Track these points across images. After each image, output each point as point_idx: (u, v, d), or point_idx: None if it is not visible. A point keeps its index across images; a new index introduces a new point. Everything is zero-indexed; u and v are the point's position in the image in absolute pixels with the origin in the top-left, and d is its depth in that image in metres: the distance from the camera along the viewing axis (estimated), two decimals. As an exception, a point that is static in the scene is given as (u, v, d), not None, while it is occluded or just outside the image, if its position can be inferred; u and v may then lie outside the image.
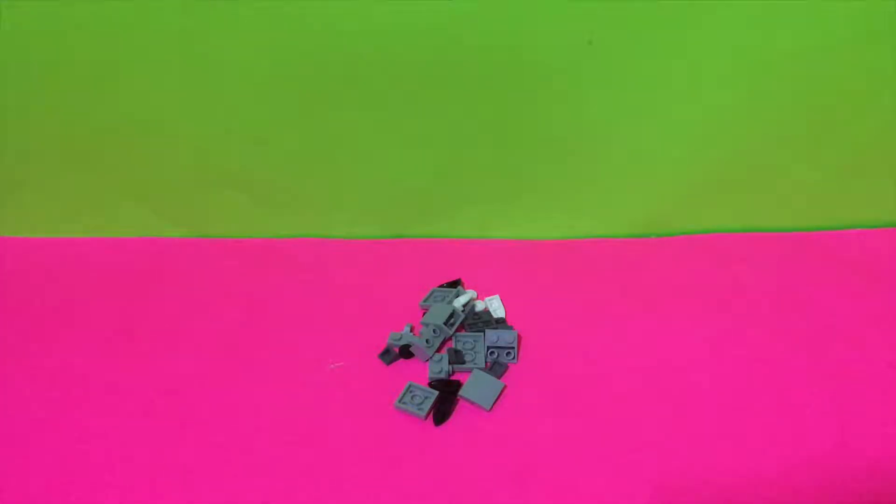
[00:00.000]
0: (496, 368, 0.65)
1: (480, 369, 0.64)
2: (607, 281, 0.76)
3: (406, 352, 0.67)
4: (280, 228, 0.84)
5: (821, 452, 0.57)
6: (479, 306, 0.72)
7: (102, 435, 0.61)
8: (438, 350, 0.68)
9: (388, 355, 0.67)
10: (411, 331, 0.70)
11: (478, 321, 0.70)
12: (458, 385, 0.63)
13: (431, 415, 0.61)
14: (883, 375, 0.63)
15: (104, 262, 0.81)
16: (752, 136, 0.75)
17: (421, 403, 0.62)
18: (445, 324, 0.68)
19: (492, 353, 0.66)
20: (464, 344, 0.68)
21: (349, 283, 0.77)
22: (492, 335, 0.66)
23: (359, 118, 0.75)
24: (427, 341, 0.67)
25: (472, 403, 0.62)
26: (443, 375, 0.64)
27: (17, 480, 0.57)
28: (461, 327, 0.70)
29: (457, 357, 0.66)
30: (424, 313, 0.70)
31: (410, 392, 0.63)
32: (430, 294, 0.74)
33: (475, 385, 0.63)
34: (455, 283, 0.75)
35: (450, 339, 0.69)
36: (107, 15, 0.67)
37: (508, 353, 0.66)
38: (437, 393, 0.62)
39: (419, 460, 0.58)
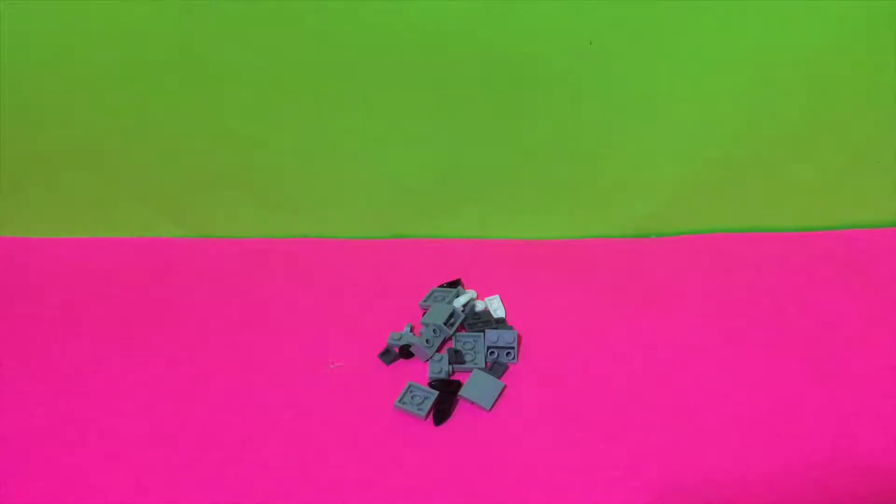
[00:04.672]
0: (496, 368, 0.65)
1: (480, 369, 0.64)
2: (607, 281, 0.76)
3: (406, 352, 0.67)
4: (280, 228, 0.84)
5: (821, 452, 0.57)
6: (479, 306, 0.72)
7: (102, 435, 0.61)
8: (438, 350, 0.68)
9: (388, 355, 0.67)
10: (411, 331, 0.70)
11: (478, 321, 0.70)
12: (458, 385, 0.63)
13: (431, 415, 0.61)
14: (883, 376, 0.63)
15: (104, 262, 0.81)
16: (751, 136, 0.75)
17: (421, 403, 0.62)
18: (445, 324, 0.68)
19: (492, 353, 0.66)
20: (464, 344, 0.68)
21: (349, 283, 0.77)
22: (492, 335, 0.66)
23: (359, 118, 0.75)
24: (427, 341, 0.67)
25: (472, 403, 0.62)
26: (443, 375, 0.64)
27: (17, 480, 0.57)
28: (461, 327, 0.70)
29: (457, 357, 0.66)
30: (424, 313, 0.70)
31: (410, 392, 0.63)
32: (430, 294, 0.74)
33: (475, 385, 0.63)
34: (455, 283, 0.75)
35: (450, 339, 0.69)
36: (107, 15, 0.67)
37: (508, 353, 0.66)
38: (437, 393, 0.62)
39: (419, 460, 0.58)
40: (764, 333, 0.68)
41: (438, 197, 0.82)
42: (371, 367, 0.67)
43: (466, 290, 0.74)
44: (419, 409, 0.61)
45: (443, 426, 0.61)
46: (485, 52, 0.69)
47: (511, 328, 0.69)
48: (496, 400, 0.62)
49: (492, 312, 0.72)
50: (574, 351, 0.67)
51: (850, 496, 0.54)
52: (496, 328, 0.68)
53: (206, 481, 0.56)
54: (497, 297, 0.73)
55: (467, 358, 0.66)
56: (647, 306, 0.72)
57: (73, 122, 0.75)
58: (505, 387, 0.64)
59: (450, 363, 0.65)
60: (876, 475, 0.55)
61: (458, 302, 0.71)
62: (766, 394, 0.62)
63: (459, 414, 0.62)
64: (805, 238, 0.81)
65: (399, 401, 0.62)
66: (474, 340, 0.68)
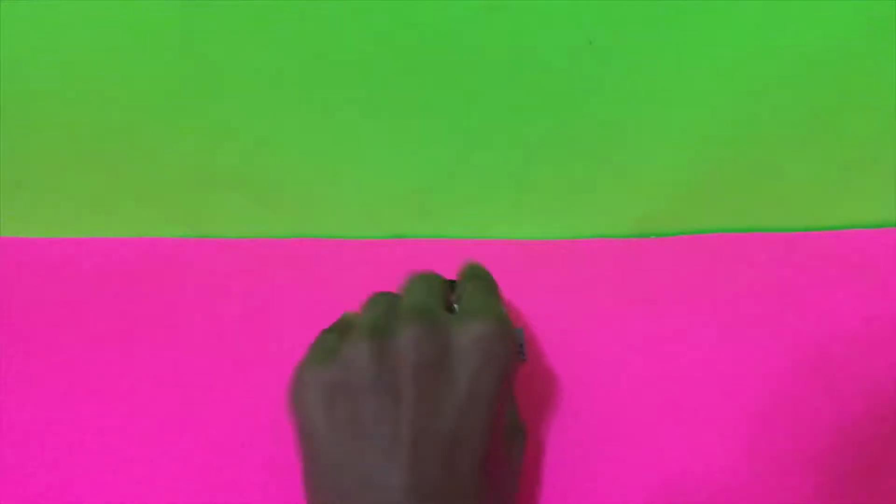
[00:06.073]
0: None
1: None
2: (607, 281, 0.76)
3: (406, 352, 0.67)
4: (280, 228, 0.84)
5: (821, 453, 0.57)
6: (480, 306, 0.72)
7: (101, 435, 0.61)
8: (439, 350, 0.67)
9: (388, 355, 0.67)
10: (411, 331, 0.70)
11: (478, 321, 0.70)
12: (459, 385, 0.63)
13: (432, 415, 0.61)
14: (883, 376, 0.63)
15: (104, 262, 0.81)
16: (751, 136, 0.75)
17: (421, 404, 0.61)
18: (446, 324, 0.67)
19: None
20: (464, 344, 0.68)
21: (349, 284, 0.77)
22: None
23: (359, 118, 0.75)
24: (427, 342, 0.66)
25: (473, 404, 0.62)
26: (443, 376, 0.64)
27: (16, 480, 0.57)
28: (461, 327, 0.70)
29: (457, 357, 0.66)
30: (425, 313, 0.70)
31: (411, 392, 0.62)
32: (431, 294, 0.73)
33: (475, 385, 0.63)
34: (455, 284, 0.75)
35: (450, 339, 0.68)
36: (106, 13, 0.67)
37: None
38: (437, 393, 0.62)
39: (419, 461, 0.57)
40: (764, 333, 0.68)
41: (438, 197, 0.82)
42: (371, 367, 0.67)
43: (467, 291, 0.74)
44: (419, 410, 0.61)
45: (443, 426, 0.60)
46: (484, 51, 0.69)
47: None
48: (496, 400, 0.62)
49: (492, 313, 0.72)
50: (574, 351, 0.67)
51: (850, 497, 0.54)
52: (497, 328, 0.68)
53: (207, 482, 0.56)
54: (497, 297, 0.73)
55: (467, 358, 0.66)
56: (648, 306, 0.72)
57: (73, 122, 0.75)
58: (505, 387, 0.63)
59: (450, 363, 0.65)
60: (876, 476, 0.55)
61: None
62: (766, 394, 0.62)
63: (460, 414, 0.62)
64: (805, 238, 0.81)
65: (399, 401, 0.62)
66: (474, 341, 0.68)
